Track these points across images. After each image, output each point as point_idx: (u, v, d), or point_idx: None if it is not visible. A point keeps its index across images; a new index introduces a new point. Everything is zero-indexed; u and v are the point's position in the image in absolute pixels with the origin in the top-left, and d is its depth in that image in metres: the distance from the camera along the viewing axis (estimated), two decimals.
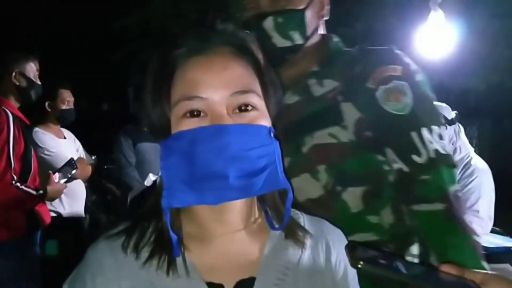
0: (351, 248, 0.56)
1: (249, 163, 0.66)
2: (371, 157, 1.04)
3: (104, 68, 8.27)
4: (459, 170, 2.35)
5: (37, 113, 3.10)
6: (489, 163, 2.42)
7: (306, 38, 1.11)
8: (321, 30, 1.19)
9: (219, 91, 0.68)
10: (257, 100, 0.70)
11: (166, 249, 0.70)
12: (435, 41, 3.45)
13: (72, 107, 3.21)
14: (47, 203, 2.83)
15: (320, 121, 1.07)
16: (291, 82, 1.12)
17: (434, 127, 1.05)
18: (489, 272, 0.58)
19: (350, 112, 1.05)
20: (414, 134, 1.03)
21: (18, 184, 2.29)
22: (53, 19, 8.02)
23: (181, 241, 0.71)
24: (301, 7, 1.10)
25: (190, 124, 0.68)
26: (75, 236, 3.16)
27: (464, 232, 0.98)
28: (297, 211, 0.82)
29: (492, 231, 2.41)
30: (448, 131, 2.38)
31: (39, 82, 2.59)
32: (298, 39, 1.10)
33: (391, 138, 1.04)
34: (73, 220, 3.19)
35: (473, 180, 2.30)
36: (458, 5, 4.20)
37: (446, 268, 0.57)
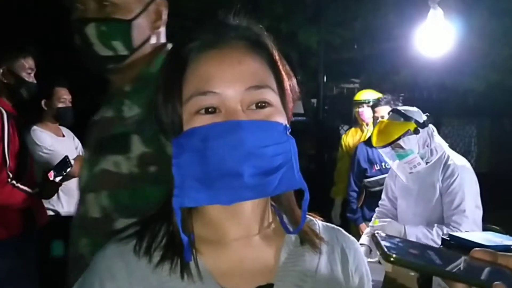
0: (379, 241, 0.52)
1: (264, 161, 0.64)
2: (151, 190, 1.04)
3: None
4: (440, 171, 2.39)
5: (34, 111, 3.09)
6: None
7: (132, 49, 1.09)
8: (156, 40, 1.15)
9: (233, 86, 0.65)
10: (272, 96, 0.68)
11: (178, 253, 0.68)
12: (434, 39, 3.44)
13: (70, 105, 3.20)
14: (46, 201, 2.83)
15: (113, 146, 1.08)
16: (112, 94, 1.12)
17: None
18: None
19: (137, 145, 1.06)
20: None
21: (13, 182, 2.28)
22: (54, 18, 8.00)
23: (193, 244, 0.69)
24: (129, 17, 1.07)
25: (204, 120, 0.65)
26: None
27: None
28: (312, 218, 0.80)
29: (491, 230, 2.41)
30: (422, 134, 2.41)
31: (31, 80, 2.56)
32: (121, 50, 1.07)
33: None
34: (72, 218, 3.18)
35: (455, 179, 2.35)
36: (457, 4, 4.19)
37: (478, 254, 0.55)
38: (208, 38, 0.68)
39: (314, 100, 6.88)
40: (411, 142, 2.40)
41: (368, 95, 3.91)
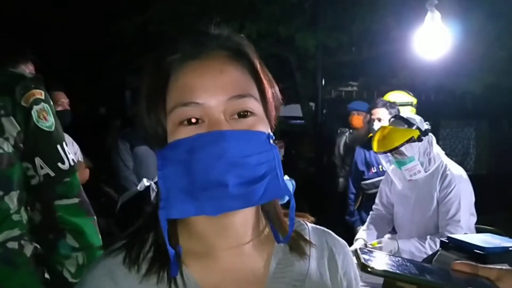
0: (358, 253, 0.56)
1: (248, 170, 0.64)
2: (22, 165, 1.33)
3: (101, 72, 8.28)
4: (438, 180, 2.40)
5: None
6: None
7: None
8: None
9: (215, 95, 0.66)
10: (254, 104, 0.68)
11: (165, 265, 0.68)
12: (432, 42, 3.46)
13: (68, 108, 3.20)
14: None
15: None
16: None
17: (64, 142, 1.42)
18: (504, 268, 0.56)
19: (11, 126, 1.29)
20: (59, 147, 1.39)
21: None
22: (50, 22, 8.01)
23: (179, 256, 0.69)
24: None
25: (187, 131, 0.66)
26: None
27: (88, 215, 1.44)
28: (302, 221, 0.80)
29: (490, 232, 2.42)
30: (423, 142, 2.43)
31: None
32: None
33: (41, 149, 1.35)
34: None
35: (452, 190, 2.38)
36: (454, 7, 4.21)
37: (459, 267, 0.56)
38: (189, 49, 0.69)
39: (312, 104, 6.89)
40: (413, 149, 2.41)
41: (396, 96, 3.82)
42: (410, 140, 2.39)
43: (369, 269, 0.53)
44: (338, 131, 5.37)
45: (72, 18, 8.07)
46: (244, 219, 0.71)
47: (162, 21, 5.96)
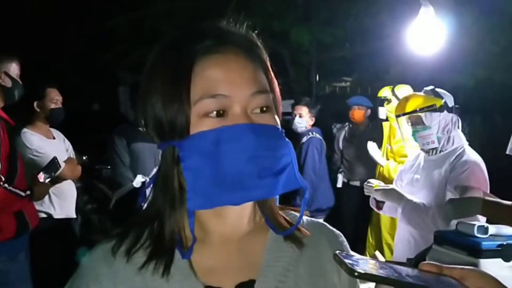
0: (342, 259, 0.57)
1: (273, 162, 0.67)
2: None
3: (94, 68, 8.22)
4: (452, 160, 2.34)
5: (25, 113, 3.07)
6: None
7: None
8: None
9: (241, 89, 0.67)
10: (271, 101, 0.71)
11: (164, 254, 0.69)
12: (425, 37, 3.45)
13: (61, 106, 3.18)
14: (38, 204, 2.81)
15: None
16: None
17: None
18: (466, 267, 0.58)
19: None
20: None
21: (6, 185, 2.26)
22: (44, 18, 7.95)
23: (184, 243, 0.71)
24: None
25: (213, 123, 0.66)
26: (66, 237, 3.14)
27: None
28: (296, 214, 0.81)
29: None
30: (445, 116, 2.35)
31: (21, 82, 2.58)
32: None
33: None
34: (64, 221, 3.17)
35: (464, 171, 2.26)
36: (448, 2, 4.22)
37: (425, 267, 0.59)
38: (213, 42, 0.69)
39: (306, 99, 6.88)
40: (433, 120, 2.33)
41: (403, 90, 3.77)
42: (431, 108, 2.32)
43: (356, 274, 0.54)
44: (333, 126, 5.39)
45: (66, 14, 8.00)
46: (244, 210, 0.73)
47: (157, 17, 5.93)
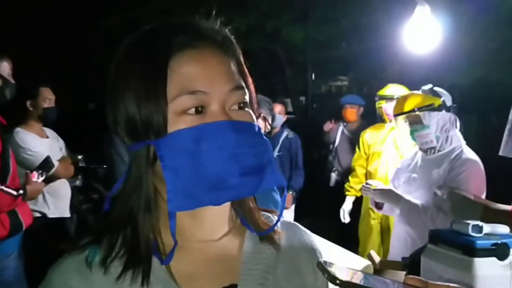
0: (325, 267, 0.58)
1: (254, 160, 0.65)
2: None
3: (90, 67, 8.20)
4: (450, 160, 2.34)
5: (18, 113, 3.05)
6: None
7: None
8: None
9: (219, 85, 0.65)
10: (247, 97, 0.69)
11: (141, 262, 0.66)
12: (421, 36, 3.45)
13: (54, 105, 3.16)
14: (32, 203, 2.79)
15: None
16: None
17: None
18: (452, 284, 0.58)
19: None
20: None
21: None
22: (39, 16, 7.92)
23: (159, 249, 0.68)
24: None
25: (191, 121, 0.63)
26: (60, 237, 3.12)
27: None
28: (269, 214, 0.80)
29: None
30: (443, 115, 2.35)
31: (13, 81, 2.56)
32: None
33: None
34: (59, 221, 3.15)
35: (462, 171, 2.26)
36: (444, 0, 4.22)
37: (410, 281, 0.59)
38: (188, 37, 0.67)
39: (302, 98, 6.89)
40: (431, 119, 2.33)
41: (394, 90, 3.80)
42: (430, 107, 2.32)
43: (338, 282, 0.55)
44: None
45: (61, 13, 7.97)
46: (221, 211, 0.71)
47: (153, 16, 5.91)
